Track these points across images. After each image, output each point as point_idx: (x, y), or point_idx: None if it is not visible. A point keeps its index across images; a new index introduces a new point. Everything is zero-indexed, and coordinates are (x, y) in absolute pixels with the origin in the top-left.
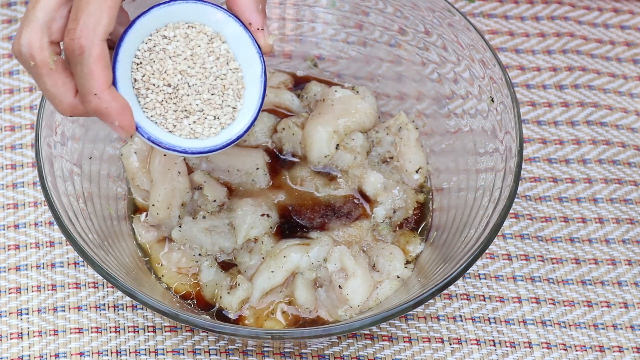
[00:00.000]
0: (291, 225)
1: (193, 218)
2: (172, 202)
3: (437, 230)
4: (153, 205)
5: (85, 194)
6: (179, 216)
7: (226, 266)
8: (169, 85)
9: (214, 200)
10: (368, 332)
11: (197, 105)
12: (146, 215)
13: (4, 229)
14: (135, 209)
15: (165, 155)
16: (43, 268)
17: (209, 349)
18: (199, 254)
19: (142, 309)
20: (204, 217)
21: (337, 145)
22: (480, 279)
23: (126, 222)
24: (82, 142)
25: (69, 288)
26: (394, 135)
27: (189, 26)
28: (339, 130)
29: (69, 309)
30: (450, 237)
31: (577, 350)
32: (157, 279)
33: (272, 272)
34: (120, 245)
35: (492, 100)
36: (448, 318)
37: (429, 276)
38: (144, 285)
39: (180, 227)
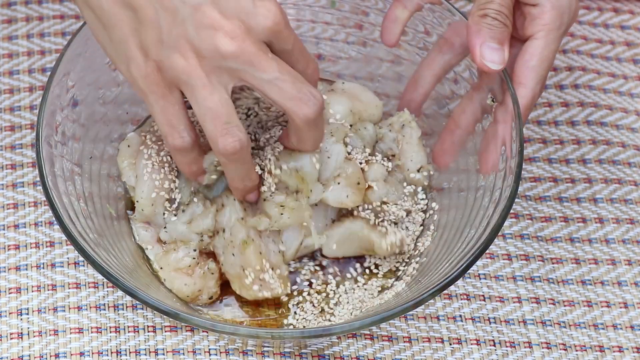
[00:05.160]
0: None
1: (174, 215)
2: (157, 198)
3: (438, 230)
4: (137, 201)
5: (86, 193)
6: (163, 214)
7: None
8: None
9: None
10: (368, 332)
11: None
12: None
13: (4, 229)
14: (134, 209)
15: (152, 153)
16: (43, 268)
17: (209, 349)
18: (194, 249)
19: (142, 308)
20: (183, 210)
21: (351, 126)
22: (480, 279)
23: (126, 221)
24: (82, 142)
25: (69, 288)
26: (396, 132)
27: None
28: (355, 110)
29: (69, 309)
30: (450, 237)
31: (577, 350)
32: (157, 278)
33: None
34: (120, 245)
35: (493, 101)
36: (448, 318)
37: (429, 276)
38: (144, 285)
39: (165, 227)
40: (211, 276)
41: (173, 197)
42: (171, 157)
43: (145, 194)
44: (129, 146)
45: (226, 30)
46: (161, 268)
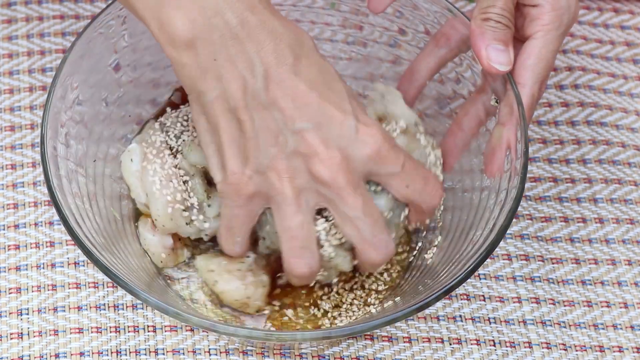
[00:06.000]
0: None
1: (202, 219)
2: (174, 213)
3: (443, 232)
4: (156, 220)
5: (90, 195)
6: (186, 223)
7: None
8: None
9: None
10: (368, 333)
11: None
12: (153, 224)
13: (4, 229)
14: (139, 212)
15: (157, 168)
16: (43, 268)
17: (209, 349)
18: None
19: (142, 308)
20: (209, 205)
21: None
22: (480, 279)
23: (130, 223)
24: (85, 144)
25: (69, 288)
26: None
27: None
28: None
29: (69, 309)
30: (455, 239)
31: (577, 350)
32: (161, 278)
33: None
34: (125, 247)
35: (497, 102)
36: (448, 318)
37: (435, 278)
38: (149, 286)
39: (204, 231)
40: (262, 289)
41: (189, 203)
42: (176, 167)
43: (162, 212)
44: (132, 160)
45: (322, 158)
46: (212, 270)
